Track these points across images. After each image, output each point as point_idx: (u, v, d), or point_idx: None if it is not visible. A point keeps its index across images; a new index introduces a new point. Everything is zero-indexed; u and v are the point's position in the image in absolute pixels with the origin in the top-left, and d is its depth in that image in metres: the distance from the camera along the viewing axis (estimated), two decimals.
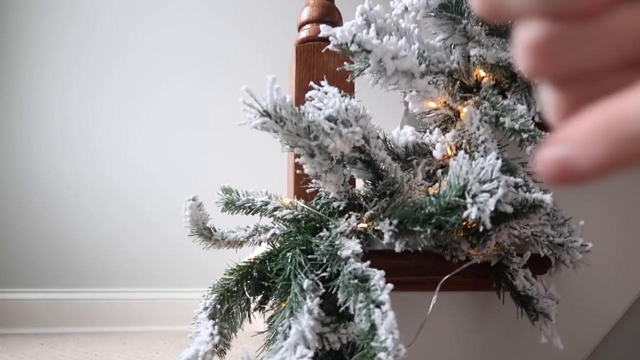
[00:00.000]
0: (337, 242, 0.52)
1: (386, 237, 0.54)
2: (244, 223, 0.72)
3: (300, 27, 0.87)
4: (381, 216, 0.53)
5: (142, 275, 1.84)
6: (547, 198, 0.51)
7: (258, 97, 0.48)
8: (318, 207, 0.60)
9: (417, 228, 0.50)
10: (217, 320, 0.61)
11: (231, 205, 0.68)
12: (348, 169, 0.56)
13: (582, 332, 0.79)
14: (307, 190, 0.62)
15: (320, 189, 0.61)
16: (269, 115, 0.45)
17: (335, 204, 0.54)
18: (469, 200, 0.46)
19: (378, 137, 0.52)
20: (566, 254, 0.66)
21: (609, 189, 0.81)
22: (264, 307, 0.63)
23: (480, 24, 0.69)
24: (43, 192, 1.80)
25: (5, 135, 1.80)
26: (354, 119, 0.48)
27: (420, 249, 0.63)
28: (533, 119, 0.67)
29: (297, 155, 0.55)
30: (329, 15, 0.86)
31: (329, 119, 0.47)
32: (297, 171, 0.64)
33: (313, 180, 0.56)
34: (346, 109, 0.47)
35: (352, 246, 0.50)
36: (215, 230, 0.72)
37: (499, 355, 0.74)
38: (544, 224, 0.64)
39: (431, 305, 0.59)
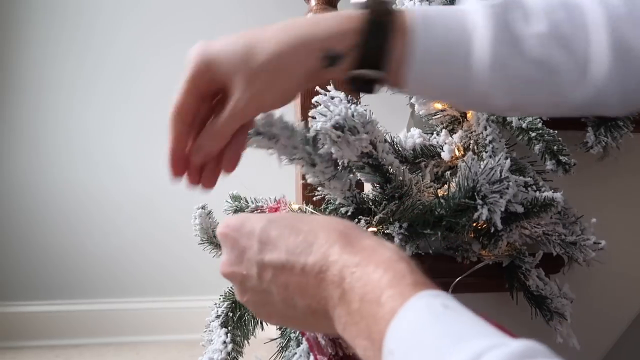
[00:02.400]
0: None
1: (396, 240, 0.54)
2: None
3: None
4: (391, 220, 0.53)
5: (154, 285, 1.85)
6: (558, 196, 0.51)
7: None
8: (327, 212, 0.60)
9: (428, 230, 0.50)
10: (229, 328, 0.61)
11: (240, 212, 0.69)
12: (355, 173, 0.56)
13: (599, 331, 0.78)
14: (315, 198, 0.62)
15: (327, 196, 0.61)
16: (260, 133, 0.46)
17: (343, 210, 0.53)
18: (479, 201, 0.46)
19: (385, 141, 0.52)
20: (579, 253, 0.65)
21: (623, 185, 0.80)
22: None
23: None
24: (53, 204, 1.82)
25: (13, 148, 1.82)
26: (360, 125, 0.48)
27: (431, 251, 0.63)
28: (541, 117, 0.67)
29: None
30: None
31: (336, 127, 0.47)
32: (302, 181, 0.64)
33: (319, 188, 0.56)
34: (353, 116, 0.47)
35: None
36: None
37: None
38: (556, 223, 0.63)
39: None
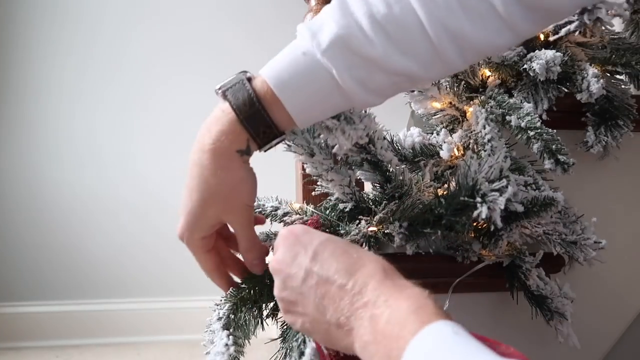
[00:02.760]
0: None
1: (396, 240, 0.54)
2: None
3: None
4: (391, 219, 0.53)
5: (155, 285, 1.85)
6: (558, 196, 0.51)
7: None
8: (327, 211, 0.60)
9: (428, 230, 0.50)
10: (231, 330, 0.61)
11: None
12: (354, 171, 0.56)
13: (599, 331, 0.78)
14: (313, 193, 0.62)
15: (328, 193, 0.61)
16: None
17: (341, 206, 0.54)
18: (478, 199, 0.46)
19: (384, 138, 0.52)
20: (579, 252, 0.65)
21: (623, 184, 0.80)
22: (277, 314, 0.63)
23: None
24: (53, 204, 1.82)
25: (13, 149, 1.82)
26: (357, 118, 0.49)
27: (431, 251, 0.63)
28: (540, 116, 0.67)
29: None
30: None
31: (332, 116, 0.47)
32: (302, 171, 0.65)
33: (318, 182, 0.56)
34: (350, 111, 0.48)
35: None
36: None
37: None
38: (556, 222, 0.63)
39: (444, 308, 0.58)
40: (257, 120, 0.45)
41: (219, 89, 0.46)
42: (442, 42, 0.44)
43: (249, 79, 0.45)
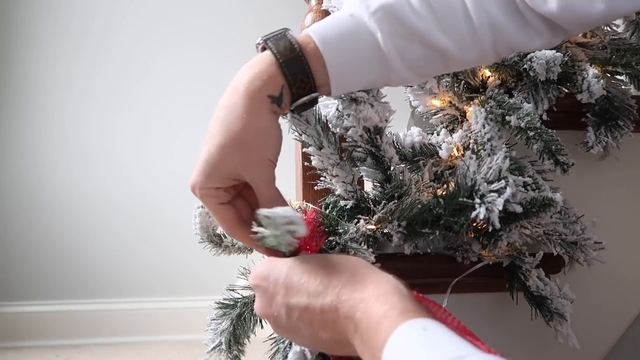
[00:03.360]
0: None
1: (395, 239, 0.54)
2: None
3: None
4: (390, 219, 0.53)
5: (155, 285, 1.85)
6: (557, 196, 0.51)
7: None
8: (328, 210, 0.60)
9: (426, 230, 0.50)
10: (231, 329, 0.62)
11: None
12: (358, 169, 0.56)
13: (599, 331, 0.78)
14: (316, 187, 0.62)
15: (329, 189, 0.61)
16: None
17: (342, 203, 0.54)
18: (477, 200, 0.46)
19: (390, 133, 0.53)
20: (580, 252, 0.65)
21: (623, 185, 0.80)
22: None
23: None
24: (53, 204, 1.82)
25: (13, 148, 1.82)
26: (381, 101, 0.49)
27: (429, 250, 0.63)
28: (540, 117, 0.67)
29: (303, 145, 0.56)
30: None
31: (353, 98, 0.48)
32: (305, 163, 0.64)
33: (321, 178, 0.56)
34: (376, 91, 0.49)
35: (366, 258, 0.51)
36: (225, 237, 0.72)
37: (514, 357, 0.73)
38: (556, 223, 0.63)
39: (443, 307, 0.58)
40: (295, 65, 0.44)
41: (260, 41, 0.46)
42: (482, 29, 0.47)
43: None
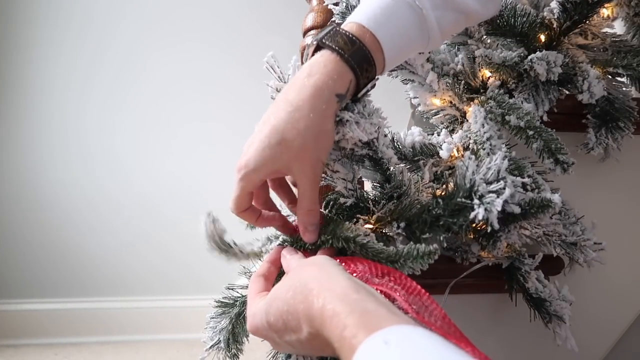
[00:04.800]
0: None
1: (397, 243, 0.54)
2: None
3: (305, 33, 0.87)
4: (389, 219, 0.53)
5: (154, 284, 1.85)
6: (556, 197, 0.51)
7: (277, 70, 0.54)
8: (327, 210, 0.60)
9: (426, 236, 0.50)
10: (230, 327, 0.61)
11: None
12: (359, 167, 0.56)
13: (598, 333, 0.78)
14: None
15: (330, 186, 0.61)
16: (285, 82, 0.46)
17: (342, 200, 0.53)
18: (475, 201, 0.46)
19: (386, 135, 0.52)
20: (579, 253, 0.65)
21: (623, 186, 0.80)
22: None
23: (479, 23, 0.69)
24: (52, 203, 1.82)
25: (13, 148, 1.82)
26: (368, 113, 0.49)
27: None
28: (541, 118, 0.67)
29: None
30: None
31: (346, 108, 0.47)
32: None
33: (322, 174, 0.56)
34: (363, 105, 0.48)
35: None
36: (235, 244, 0.70)
37: (512, 359, 0.73)
38: (556, 224, 0.63)
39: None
40: (360, 57, 0.45)
41: (313, 42, 0.46)
42: None
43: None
